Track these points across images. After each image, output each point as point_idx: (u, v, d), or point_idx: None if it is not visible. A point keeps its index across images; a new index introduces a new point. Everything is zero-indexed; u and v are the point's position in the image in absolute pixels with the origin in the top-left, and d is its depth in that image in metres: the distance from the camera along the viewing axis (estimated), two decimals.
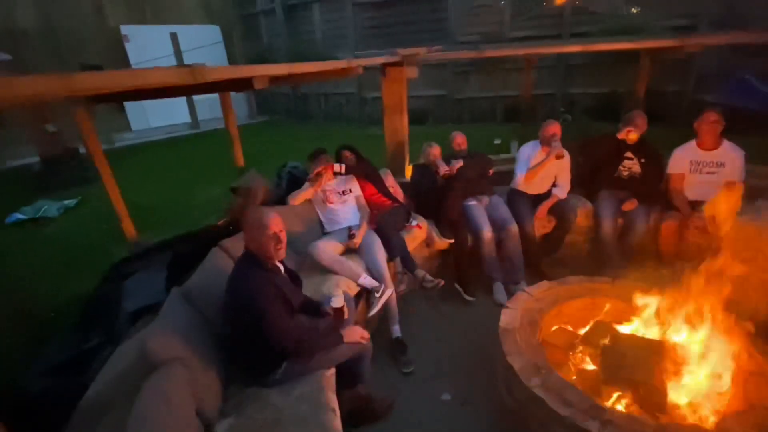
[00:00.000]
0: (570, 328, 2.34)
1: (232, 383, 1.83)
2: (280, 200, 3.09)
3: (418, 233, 3.21)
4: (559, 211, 3.35)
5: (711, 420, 1.69)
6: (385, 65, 3.59)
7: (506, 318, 2.23)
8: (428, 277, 2.83)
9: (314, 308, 2.09)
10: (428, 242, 3.30)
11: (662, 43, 3.67)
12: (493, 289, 3.19)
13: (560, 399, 1.69)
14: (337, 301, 1.99)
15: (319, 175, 2.97)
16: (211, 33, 11.78)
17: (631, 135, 3.15)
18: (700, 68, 6.89)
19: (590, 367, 2.06)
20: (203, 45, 10.45)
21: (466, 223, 3.28)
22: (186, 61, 8.64)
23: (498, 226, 3.26)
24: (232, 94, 3.37)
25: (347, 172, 3.09)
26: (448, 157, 3.45)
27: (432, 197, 3.37)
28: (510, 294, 2.95)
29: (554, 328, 2.34)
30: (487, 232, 3.17)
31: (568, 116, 7.49)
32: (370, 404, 2.11)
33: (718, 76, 6.77)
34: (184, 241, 2.89)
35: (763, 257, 2.27)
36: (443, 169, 3.28)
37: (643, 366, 1.82)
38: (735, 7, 7.03)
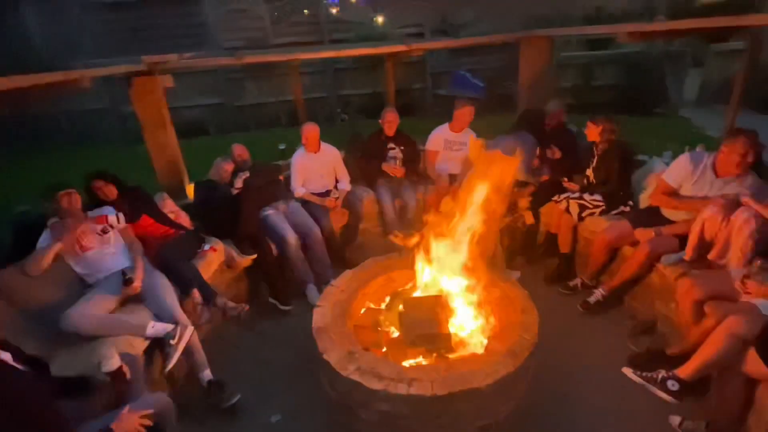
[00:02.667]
0: (375, 306, 2.57)
1: None
2: (8, 260, 2.31)
3: (214, 256, 2.94)
4: (349, 203, 3.62)
5: (483, 345, 2.13)
6: (129, 75, 3.06)
7: (318, 317, 2.26)
8: (230, 304, 2.62)
9: (81, 386, 1.64)
10: (229, 263, 3.06)
11: (394, 48, 4.35)
12: (306, 293, 3.22)
13: (374, 376, 1.82)
14: (111, 364, 1.60)
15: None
16: None
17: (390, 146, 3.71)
18: (432, 68, 8.59)
19: (396, 334, 2.31)
20: None
21: (268, 233, 3.20)
22: None
23: (301, 232, 3.29)
24: None
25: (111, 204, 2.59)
26: (234, 171, 3.30)
27: (224, 214, 3.14)
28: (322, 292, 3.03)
29: (363, 310, 2.53)
30: (292, 237, 3.16)
31: (344, 116, 8.21)
32: None
33: (445, 74, 8.63)
34: None
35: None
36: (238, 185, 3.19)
37: (430, 320, 2.15)
38: (448, 20, 9.06)
